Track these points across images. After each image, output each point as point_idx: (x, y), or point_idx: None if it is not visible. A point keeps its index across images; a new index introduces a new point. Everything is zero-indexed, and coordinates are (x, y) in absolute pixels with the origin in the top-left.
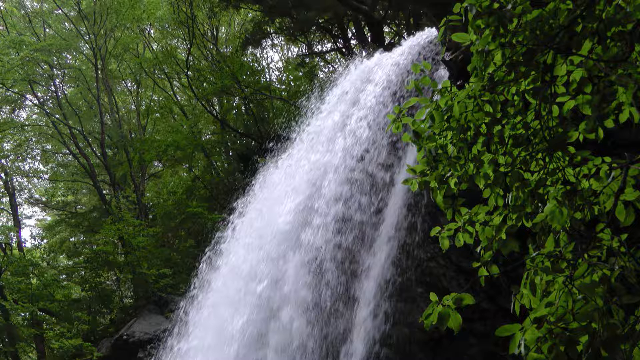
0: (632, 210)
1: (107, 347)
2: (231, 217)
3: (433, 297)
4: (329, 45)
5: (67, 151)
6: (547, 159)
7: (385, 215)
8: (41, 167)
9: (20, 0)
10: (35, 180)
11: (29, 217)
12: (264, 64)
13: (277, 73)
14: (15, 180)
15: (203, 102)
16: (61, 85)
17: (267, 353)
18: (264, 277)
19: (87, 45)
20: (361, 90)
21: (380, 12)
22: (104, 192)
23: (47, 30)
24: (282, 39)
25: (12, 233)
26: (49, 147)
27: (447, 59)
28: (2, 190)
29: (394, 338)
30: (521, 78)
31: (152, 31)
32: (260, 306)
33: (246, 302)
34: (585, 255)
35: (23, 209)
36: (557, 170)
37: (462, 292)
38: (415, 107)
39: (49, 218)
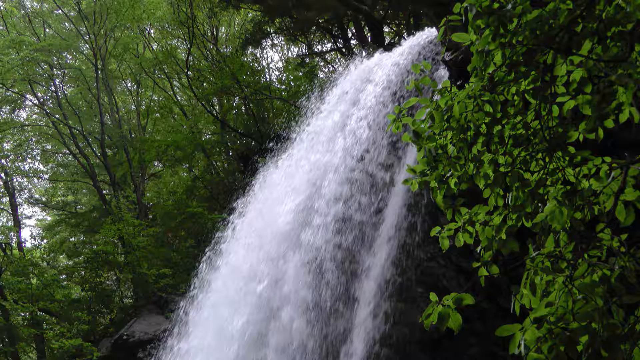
0: (632, 210)
1: (107, 347)
2: (231, 217)
3: (433, 297)
4: (329, 45)
5: (67, 151)
6: (547, 159)
7: (385, 215)
8: (41, 167)
9: (20, 0)
10: (35, 180)
11: (29, 217)
12: (264, 64)
13: (277, 73)
14: (15, 180)
15: (203, 102)
16: (61, 85)
17: (267, 353)
18: (264, 277)
19: (87, 45)
20: (361, 90)
21: (380, 12)
22: (104, 192)
23: (47, 30)
24: (282, 39)
25: (12, 233)
26: (49, 147)
27: (447, 59)
28: (2, 190)
29: (394, 338)
30: (521, 78)
31: (152, 31)
32: (260, 306)
33: (246, 302)
34: (585, 255)
35: (23, 209)
36: (557, 170)
37: (462, 292)
38: (415, 107)
39: (49, 218)
